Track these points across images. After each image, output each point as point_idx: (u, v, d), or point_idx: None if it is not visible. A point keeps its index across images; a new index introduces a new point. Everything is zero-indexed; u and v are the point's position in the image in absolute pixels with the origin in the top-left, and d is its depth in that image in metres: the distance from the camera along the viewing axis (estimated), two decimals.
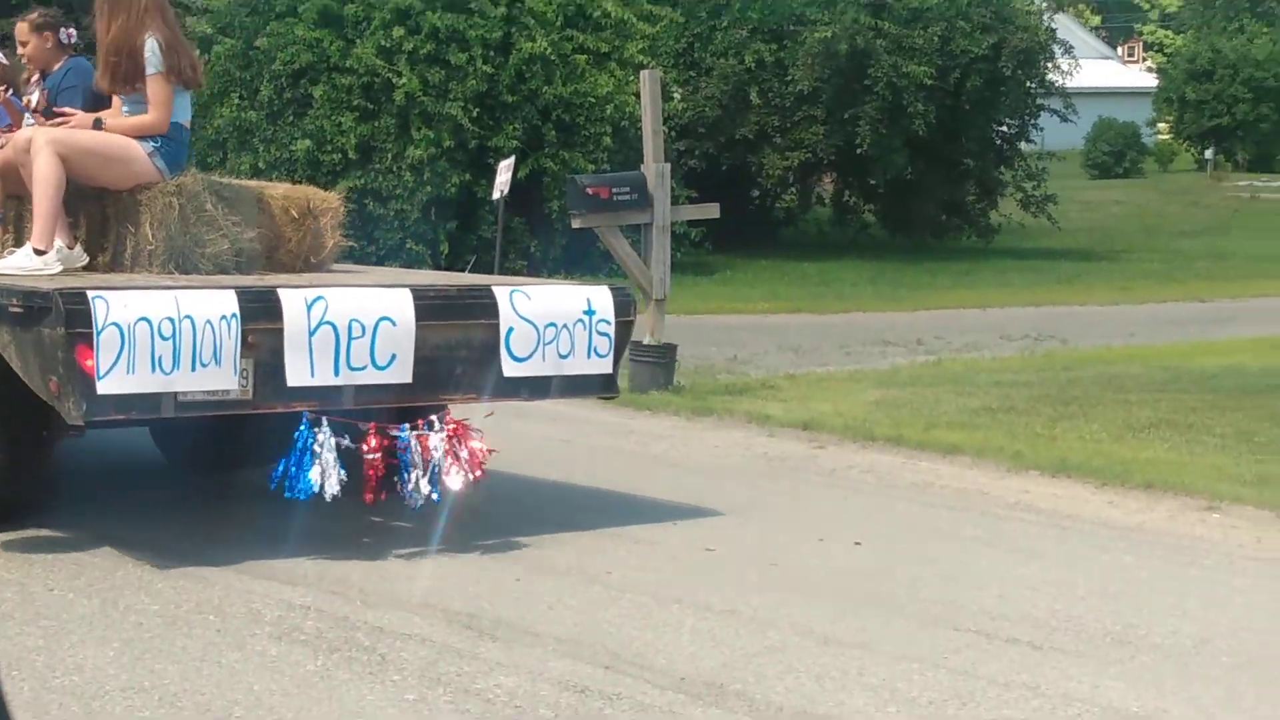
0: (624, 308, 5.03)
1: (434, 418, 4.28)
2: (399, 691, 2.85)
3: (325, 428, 4.06)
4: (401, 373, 4.27)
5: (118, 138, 4.59)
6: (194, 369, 3.85)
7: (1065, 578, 4.18)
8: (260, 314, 4.04)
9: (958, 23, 15.71)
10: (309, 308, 4.12)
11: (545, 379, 4.77)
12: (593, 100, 13.40)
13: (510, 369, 4.56)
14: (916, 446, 6.49)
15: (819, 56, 15.42)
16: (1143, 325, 12.40)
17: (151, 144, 4.60)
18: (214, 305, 3.94)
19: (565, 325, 4.73)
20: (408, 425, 4.27)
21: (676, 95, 13.16)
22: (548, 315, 4.70)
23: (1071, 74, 18.32)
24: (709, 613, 3.59)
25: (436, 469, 4.20)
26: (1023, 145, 18.54)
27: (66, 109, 4.75)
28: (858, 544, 4.58)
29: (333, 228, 5.38)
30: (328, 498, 4.03)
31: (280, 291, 4.18)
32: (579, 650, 3.18)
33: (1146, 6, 49.80)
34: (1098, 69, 33.17)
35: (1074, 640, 3.44)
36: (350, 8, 13.82)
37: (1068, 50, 18.82)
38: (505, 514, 4.79)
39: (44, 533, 4.25)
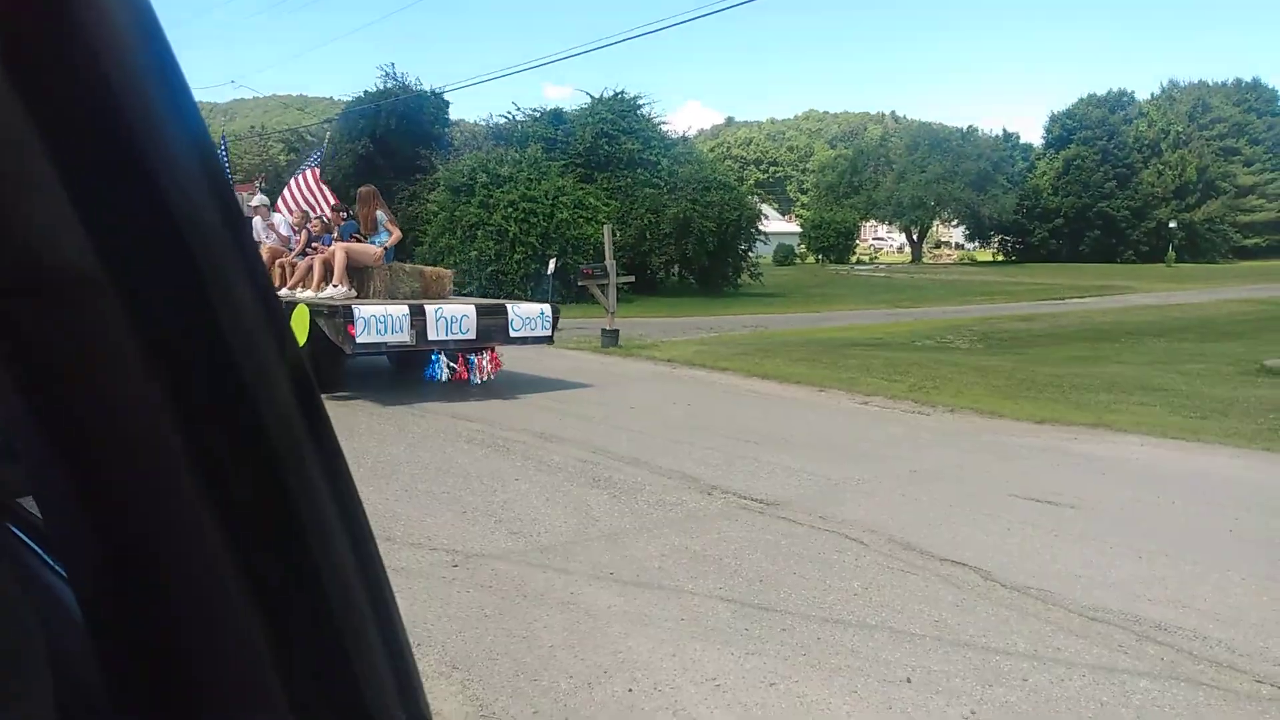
0: (555, 311, 11.28)
1: (482, 350, 10.38)
2: (509, 459, 8.80)
3: (443, 355, 10.04)
4: (471, 334, 10.32)
5: (371, 247, 10.93)
6: (393, 333, 9.69)
7: (776, 416, 10.58)
8: (418, 311, 9.96)
9: (728, 210, 32.94)
10: (436, 311, 10.13)
11: (525, 336, 10.91)
12: (586, 235, 28.18)
13: (513, 333, 10.73)
14: (711, 369, 13.42)
15: (673, 220, 31.78)
16: (798, 321, 22.79)
17: (383, 252, 10.83)
18: (399, 310, 9.85)
19: (533, 317, 10.93)
20: (474, 354, 10.35)
21: (617, 234, 25.83)
22: (527, 314, 10.93)
23: (768, 225, 39.13)
24: (610, 421, 9.70)
25: (478, 370, 10.34)
26: (751, 253, 36.82)
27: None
28: (689, 404, 10.70)
29: (449, 280, 12.03)
30: (443, 380, 9.95)
31: (425, 305, 10.18)
32: (570, 440, 9.22)
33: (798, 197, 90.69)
34: (778, 223, 68.96)
35: (788, 444, 9.82)
36: (492, 198, 29.13)
37: (764, 216, 38.62)
38: (529, 384, 10.66)
39: None
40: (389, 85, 37.42)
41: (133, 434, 0.53)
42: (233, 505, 0.55)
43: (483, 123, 39.82)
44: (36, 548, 1.02)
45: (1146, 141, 74.19)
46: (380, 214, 11.47)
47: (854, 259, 73.82)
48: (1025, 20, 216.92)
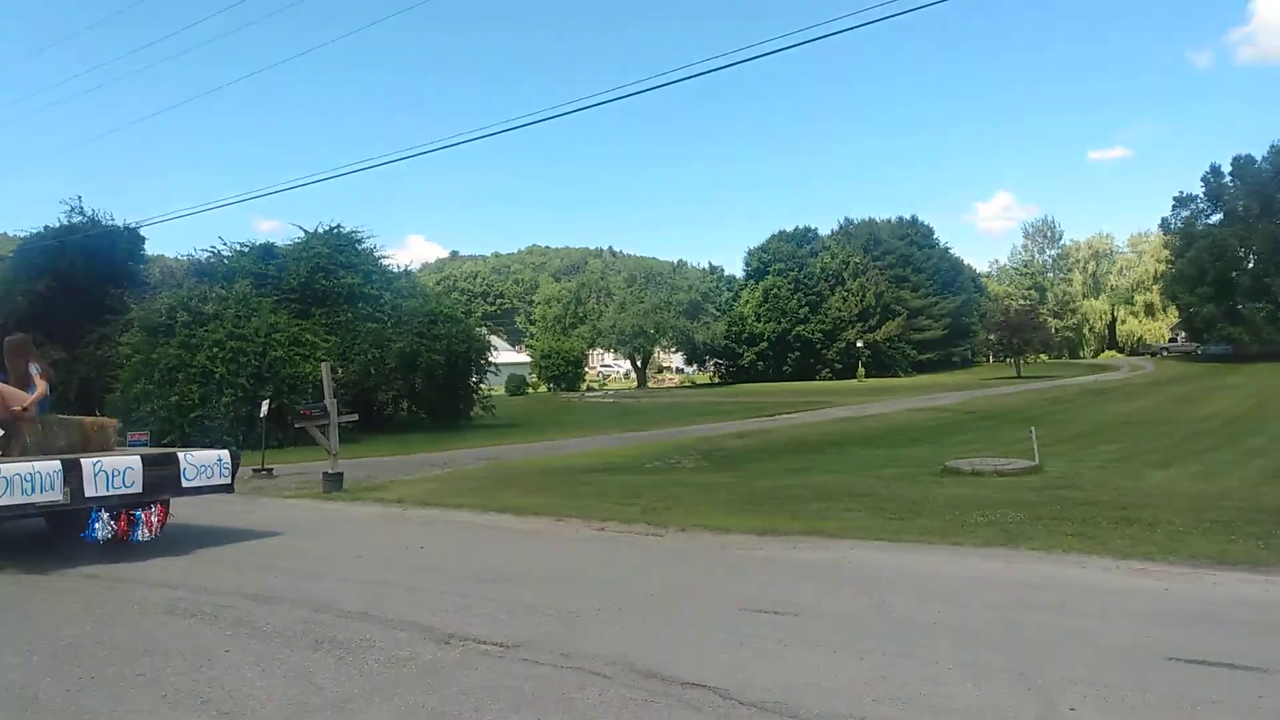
0: (235, 458, 10.64)
1: (150, 504, 9.55)
2: (218, 627, 7.98)
3: (103, 513, 9.14)
4: (137, 487, 9.43)
5: (16, 391, 9.71)
6: (42, 491, 8.65)
7: (516, 551, 10.27)
8: (72, 466, 8.94)
9: (457, 342, 33.57)
10: (94, 464, 9.13)
11: (201, 486, 10.14)
12: (304, 374, 27.35)
13: (186, 483, 9.93)
14: (446, 507, 12.91)
15: (400, 354, 31.75)
16: (533, 451, 22.62)
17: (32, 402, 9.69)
18: (50, 466, 8.79)
19: (209, 465, 10.19)
20: (140, 509, 9.45)
21: (339, 370, 26.28)
22: (202, 461, 10.18)
23: (498, 356, 39.94)
24: (335, 574, 9.06)
25: (140, 524, 9.48)
26: (482, 385, 37.47)
27: None
28: (421, 547, 10.13)
29: (114, 431, 10.84)
30: (102, 540, 9.05)
31: (81, 459, 9.13)
32: (289, 599, 8.51)
33: (526, 328, 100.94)
34: (508, 354, 75.07)
35: (527, 579, 9.51)
36: (194, 338, 27.44)
37: (494, 348, 39.66)
38: (240, 539, 9.64)
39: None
40: (75, 220, 34.36)
41: None
42: None
43: (185, 258, 37.40)
44: None
45: (831, 271, 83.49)
46: (33, 366, 10.34)
47: (584, 386, 76.11)
48: (719, 159, 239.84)
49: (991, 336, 78.61)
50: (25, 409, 9.93)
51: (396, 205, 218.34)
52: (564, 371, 74.16)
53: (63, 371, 31.78)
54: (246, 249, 35.31)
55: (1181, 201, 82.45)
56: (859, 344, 79.74)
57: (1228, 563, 7.74)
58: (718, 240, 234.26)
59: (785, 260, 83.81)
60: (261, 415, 19.53)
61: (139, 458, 9.66)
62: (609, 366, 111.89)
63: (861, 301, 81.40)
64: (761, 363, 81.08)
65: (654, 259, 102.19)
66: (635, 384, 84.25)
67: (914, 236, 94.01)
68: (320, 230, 35.87)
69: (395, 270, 38.70)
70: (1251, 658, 5.22)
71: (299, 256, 34.21)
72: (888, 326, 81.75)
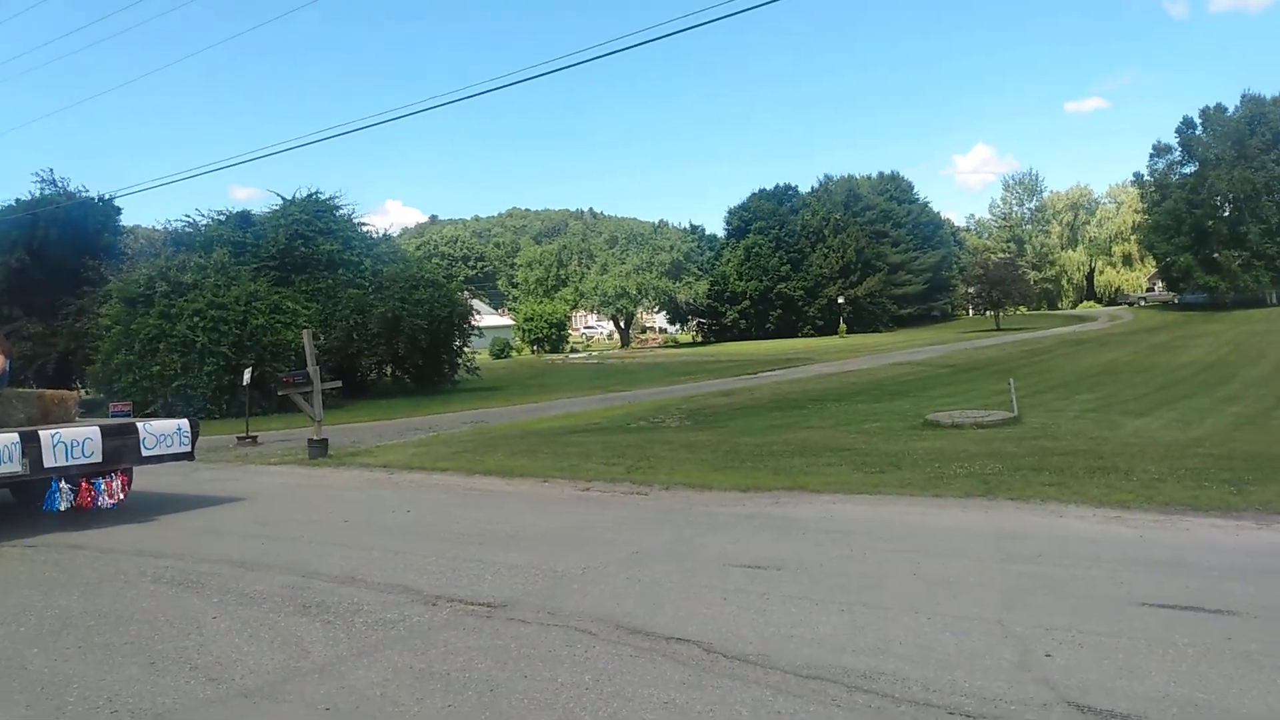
0: (195, 427, 10.78)
1: (111, 473, 9.66)
2: (204, 595, 8.00)
3: (63, 482, 9.26)
4: (96, 456, 9.56)
5: None
6: (1, 463, 8.72)
7: (501, 513, 10.33)
8: (30, 438, 9.04)
9: (439, 306, 33.18)
10: (53, 436, 9.22)
11: (161, 455, 10.29)
12: (286, 341, 27.07)
13: (146, 452, 10.07)
14: (431, 470, 12.94)
15: (382, 319, 31.25)
16: (518, 413, 22.77)
17: None
18: (8, 438, 8.86)
19: (169, 434, 10.32)
20: (100, 478, 9.58)
21: (321, 337, 26.99)
22: (161, 430, 10.32)
23: (481, 319, 40.29)
24: (321, 539, 9.10)
25: (102, 492, 9.63)
26: (466, 349, 36.93)
27: None
28: (408, 511, 10.15)
29: (75, 403, 10.84)
30: (62, 509, 9.21)
31: (39, 430, 9.24)
32: (275, 566, 8.53)
33: (509, 291, 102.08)
34: (491, 318, 77.53)
35: (513, 540, 9.57)
36: (174, 308, 26.74)
37: (476, 312, 39.49)
38: (226, 508, 9.66)
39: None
40: (47, 192, 33.79)
41: None
42: None
43: (161, 228, 36.92)
44: None
45: (812, 229, 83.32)
46: None
47: (568, 348, 76.01)
48: (700, 118, 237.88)
49: (971, 290, 79.02)
50: None
51: (374, 170, 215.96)
52: (547, 334, 74.05)
53: (41, 344, 31.53)
54: (224, 217, 34.88)
55: (1159, 151, 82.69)
56: (840, 300, 79.94)
57: (1200, 509, 7.89)
58: (699, 200, 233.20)
59: (766, 218, 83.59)
60: (244, 383, 19.48)
61: (98, 428, 9.81)
62: (592, 328, 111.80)
63: (842, 258, 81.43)
64: (744, 321, 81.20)
65: (635, 220, 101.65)
66: (619, 345, 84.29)
67: (894, 192, 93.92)
68: (298, 197, 35.44)
69: (375, 236, 38.41)
70: (1220, 601, 5.35)
71: (277, 224, 33.83)
72: (868, 282, 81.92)
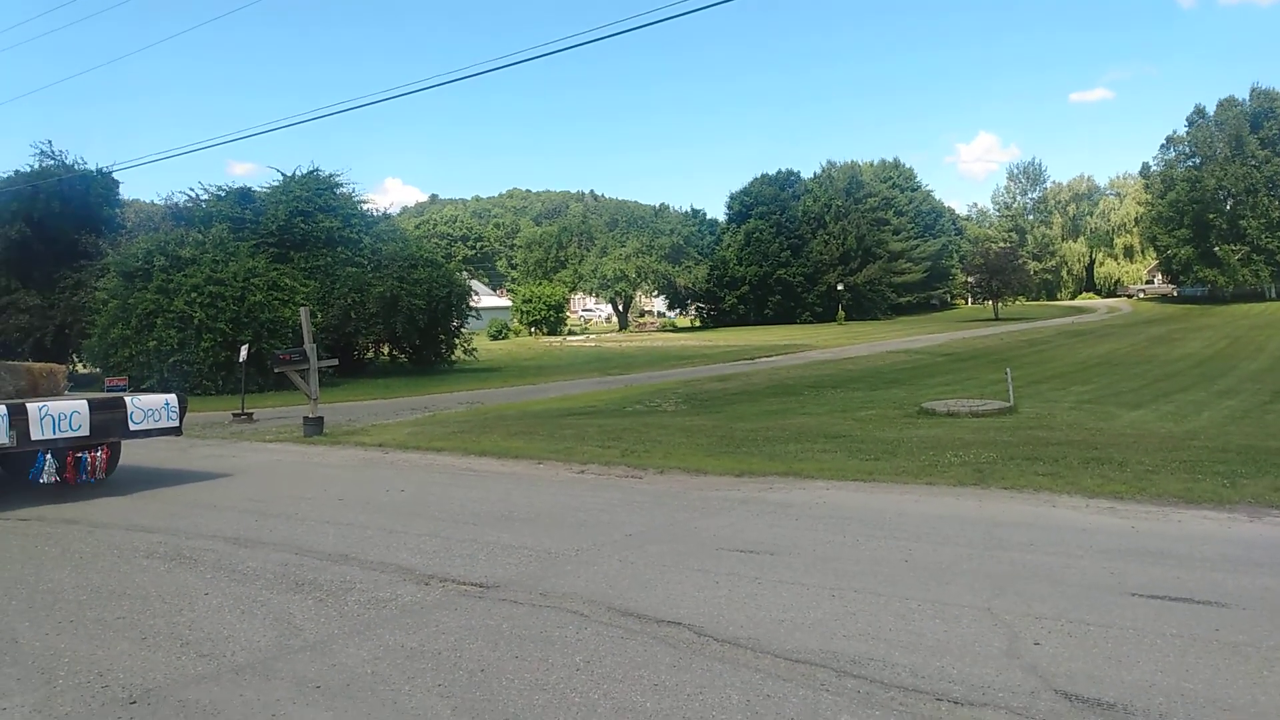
0: (182, 401, 10.84)
1: (97, 447, 9.74)
2: (197, 571, 8.01)
3: (49, 455, 9.35)
4: (84, 430, 9.63)
5: None
6: None
7: (496, 494, 10.34)
8: (18, 410, 9.09)
9: (437, 286, 33.12)
10: (40, 409, 9.25)
11: (149, 429, 10.36)
12: (284, 318, 26.98)
13: (134, 426, 10.14)
14: (427, 450, 12.92)
15: (380, 298, 31.49)
16: (515, 394, 22.76)
17: None
18: None
19: (156, 409, 10.39)
20: (86, 451, 9.66)
21: (319, 315, 27.47)
22: (149, 405, 10.37)
23: (479, 300, 40.03)
24: (315, 517, 9.10)
25: (85, 465, 9.71)
26: (464, 329, 36.83)
27: None
28: (402, 490, 10.16)
29: (63, 376, 10.84)
30: (48, 482, 9.37)
31: (26, 403, 9.29)
32: (269, 543, 8.55)
33: (507, 272, 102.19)
34: (490, 298, 77.77)
35: (507, 521, 9.58)
36: (172, 283, 26.57)
37: (475, 292, 40.04)
38: (220, 484, 9.67)
39: None
40: (47, 164, 33.65)
41: None
42: None
43: (160, 202, 36.78)
44: None
45: (813, 215, 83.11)
46: None
47: (566, 330, 75.93)
48: (702, 104, 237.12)
49: (970, 279, 78.86)
50: None
51: (374, 148, 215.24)
52: (545, 316, 73.94)
53: (39, 317, 31.47)
54: (224, 193, 34.78)
55: (1170, 142, 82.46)
56: (840, 287, 79.88)
57: (1193, 501, 7.91)
58: (700, 184, 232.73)
59: (767, 203, 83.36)
60: (240, 360, 19.52)
61: (85, 402, 9.87)
62: (590, 311, 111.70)
63: (843, 245, 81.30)
64: (743, 306, 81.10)
65: (636, 203, 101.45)
66: (617, 328, 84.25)
67: (896, 179, 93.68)
68: (298, 174, 35.35)
69: (374, 214, 38.32)
70: (1211, 593, 5.37)
71: (277, 200, 33.74)
72: (868, 270, 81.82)
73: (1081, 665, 4.30)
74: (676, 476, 10.22)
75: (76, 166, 34.01)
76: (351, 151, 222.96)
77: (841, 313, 78.24)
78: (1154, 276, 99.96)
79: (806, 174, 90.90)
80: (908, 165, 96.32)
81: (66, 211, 32.50)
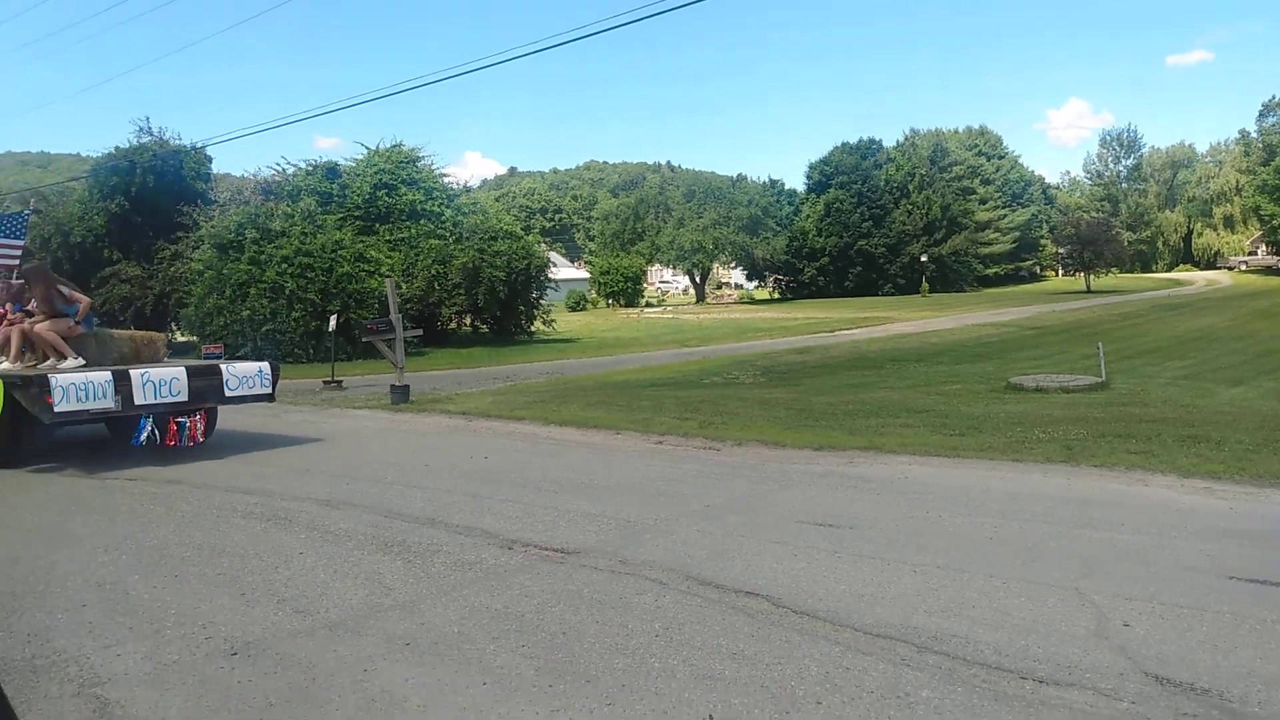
0: (275, 369, 11.26)
1: (195, 412, 10.22)
2: (292, 531, 8.31)
3: (150, 419, 9.83)
4: (183, 396, 10.07)
5: (64, 320, 10.34)
6: (95, 400, 9.23)
7: (575, 463, 10.51)
8: (122, 376, 9.55)
9: (517, 258, 33.43)
10: (142, 375, 9.69)
11: (243, 395, 10.77)
12: (370, 289, 27.77)
13: (229, 393, 10.56)
14: (508, 419, 13.18)
15: (462, 269, 31.98)
16: (592, 365, 22.70)
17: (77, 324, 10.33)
18: (102, 376, 9.41)
19: (250, 376, 10.78)
20: (185, 416, 10.13)
21: (403, 286, 28.21)
22: (244, 372, 10.76)
23: (558, 271, 40.75)
24: (403, 481, 9.36)
25: (185, 429, 10.20)
26: (543, 300, 37.12)
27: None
28: (485, 457, 10.40)
29: (161, 344, 11.32)
30: (147, 444, 9.88)
31: (130, 369, 9.76)
32: (360, 505, 8.83)
33: (585, 244, 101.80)
34: (568, 270, 76.23)
35: (587, 489, 9.74)
36: (263, 254, 27.48)
37: (553, 264, 39.26)
38: (312, 449, 10.04)
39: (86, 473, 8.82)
40: (145, 140, 35.00)
41: None
42: None
43: (250, 176, 37.91)
44: None
45: (896, 184, 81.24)
46: (61, 288, 10.91)
47: (643, 302, 76.12)
48: (782, 73, 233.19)
49: (1061, 250, 76.24)
50: (71, 328, 10.62)
51: (454, 122, 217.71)
52: (622, 288, 74.19)
53: (138, 287, 32.84)
54: (311, 167, 35.66)
55: (1269, 108, 78.17)
56: (923, 258, 78.10)
57: None
58: (778, 153, 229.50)
59: (848, 173, 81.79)
60: (330, 329, 20.07)
61: (184, 369, 10.34)
62: (668, 283, 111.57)
63: (926, 214, 79.37)
64: (822, 278, 79.99)
65: (713, 173, 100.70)
66: (694, 300, 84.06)
67: (982, 147, 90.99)
68: (382, 148, 36.02)
69: (455, 187, 38.84)
70: None
71: (361, 174, 34.49)
72: (953, 240, 79.79)
73: (1174, 649, 4.19)
74: (754, 449, 10.20)
75: (172, 142, 35.28)
76: (432, 126, 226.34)
77: (925, 285, 76.56)
78: (1257, 248, 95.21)
79: (889, 142, 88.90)
80: (995, 132, 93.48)
81: (163, 185, 33.77)
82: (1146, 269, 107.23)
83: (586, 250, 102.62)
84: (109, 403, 9.44)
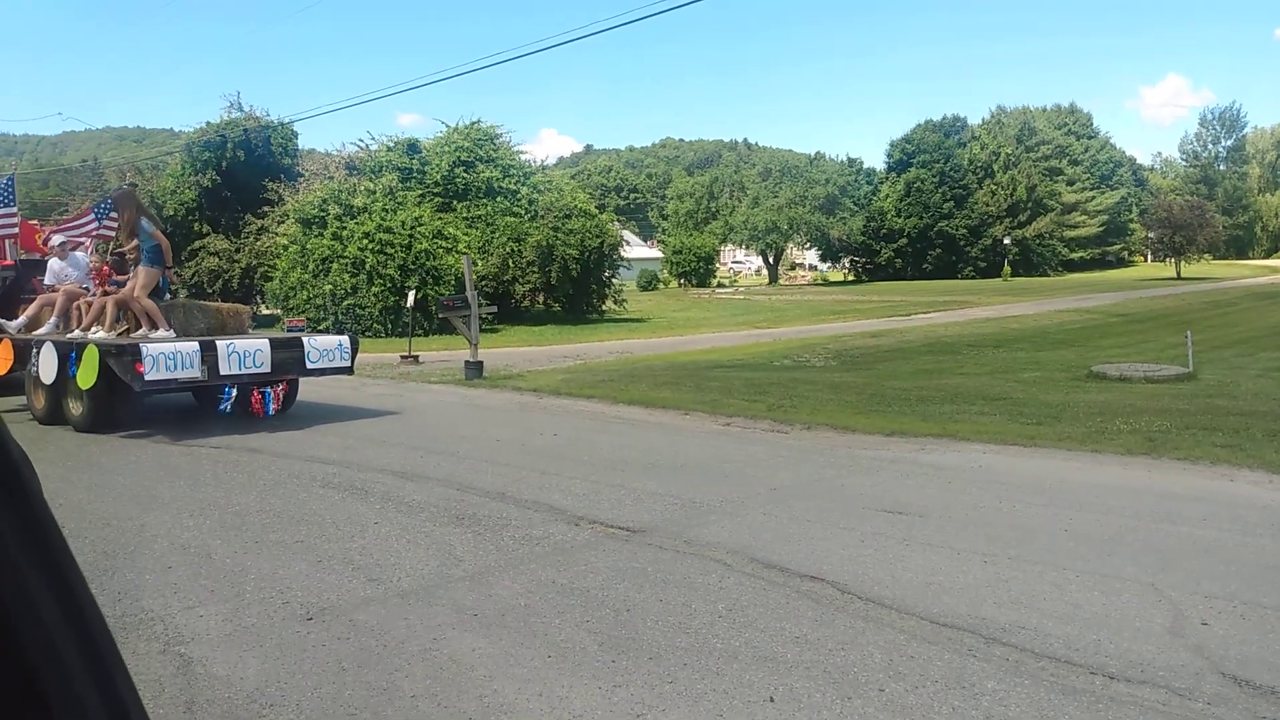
0: (355, 343, 11.56)
1: (278, 382, 10.51)
2: (368, 501, 8.54)
3: (235, 389, 10.21)
4: (266, 367, 10.38)
5: (145, 275, 10.68)
6: (183, 369, 9.57)
7: (642, 442, 10.59)
8: (209, 347, 9.91)
9: (590, 236, 33.21)
10: (228, 346, 10.03)
11: (323, 368, 11.06)
12: (447, 266, 28.07)
13: (310, 365, 10.85)
14: (578, 397, 13.33)
15: (536, 247, 31.73)
16: (662, 345, 22.94)
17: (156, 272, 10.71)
18: (189, 347, 9.76)
19: (330, 349, 11.06)
20: (269, 387, 10.43)
21: (479, 263, 28.23)
22: (324, 345, 11.07)
23: (630, 250, 40.63)
24: (475, 456, 9.55)
25: (270, 399, 10.48)
26: (615, 279, 36.84)
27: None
28: (555, 434, 10.55)
29: (247, 316, 11.74)
30: (231, 413, 10.21)
31: (216, 340, 10.10)
32: (433, 478, 9.03)
33: (658, 223, 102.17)
34: (640, 249, 76.20)
35: (654, 469, 9.83)
36: (345, 230, 28.19)
37: (626, 243, 39.50)
38: (389, 422, 10.33)
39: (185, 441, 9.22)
40: (235, 116, 36.07)
41: None
42: None
43: (334, 152, 38.78)
44: None
45: (979, 164, 79.11)
46: (144, 221, 11.18)
47: (715, 282, 75.80)
48: (863, 49, 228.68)
49: (1151, 234, 73.41)
50: (151, 277, 11.03)
51: (531, 99, 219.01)
52: (695, 268, 73.82)
53: (226, 260, 33.96)
54: (392, 143, 36.29)
55: None
56: (1006, 241, 76.01)
57: None
58: (858, 131, 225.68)
59: (930, 151, 79.86)
60: (408, 305, 20.46)
61: (267, 341, 10.73)
62: (740, 263, 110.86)
63: (1011, 195, 77.14)
64: (900, 260, 78.47)
65: (790, 151, 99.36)
66: (767, 281, 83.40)
67: (1072, 126, 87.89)
68: (460, 125, 36.46)
69: (531, 165, 39.13)
70: None
71: (440, 151, 34.94)
72: (1038, 223, 77.46)
73: (1255, 650, 4.05)
74: (823, 433, 10.12)
75: (262, 117, 36.28)
76: (510, 103, 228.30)
77: (1007, 268, 74.54)
78: None
79: (974, 120, 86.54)
80: (1085, 111, 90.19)
81: (252, 160, 34.80)
82: (1242, 255, 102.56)
83: (660, 229, 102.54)
84: (195, 373, 9.84)
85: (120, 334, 10.78)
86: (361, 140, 37.22)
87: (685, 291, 66.50)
